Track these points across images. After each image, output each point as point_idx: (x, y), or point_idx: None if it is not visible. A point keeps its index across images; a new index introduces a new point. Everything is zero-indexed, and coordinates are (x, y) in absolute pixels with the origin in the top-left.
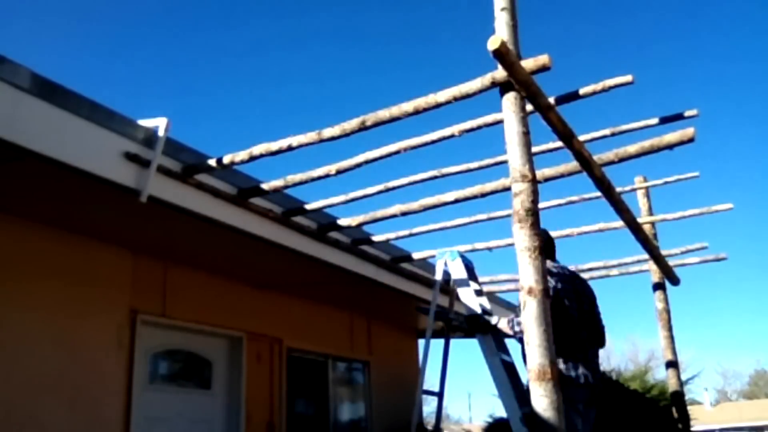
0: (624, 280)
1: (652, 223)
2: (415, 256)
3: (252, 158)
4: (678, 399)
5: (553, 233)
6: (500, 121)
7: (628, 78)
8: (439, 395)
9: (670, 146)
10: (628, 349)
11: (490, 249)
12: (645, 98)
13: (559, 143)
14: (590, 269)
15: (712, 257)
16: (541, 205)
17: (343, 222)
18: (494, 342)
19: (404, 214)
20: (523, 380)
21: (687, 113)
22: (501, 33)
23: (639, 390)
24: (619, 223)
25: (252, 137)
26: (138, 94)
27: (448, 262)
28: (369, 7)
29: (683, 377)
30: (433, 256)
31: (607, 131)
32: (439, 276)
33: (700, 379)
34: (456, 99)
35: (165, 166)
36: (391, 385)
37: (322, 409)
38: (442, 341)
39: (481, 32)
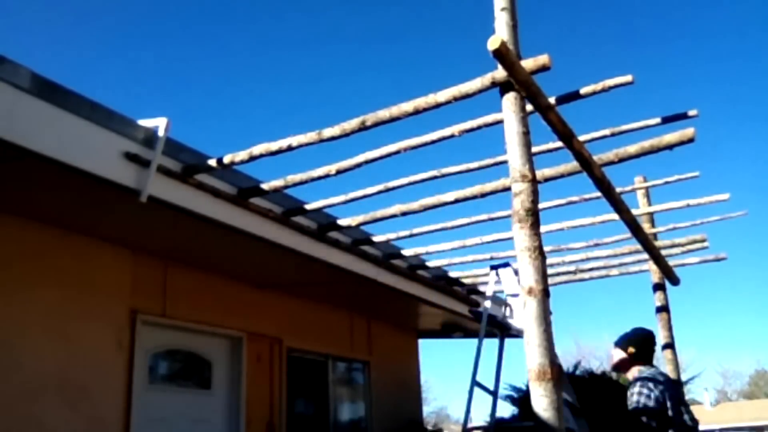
0: (624, 280)
1: (652, 223)
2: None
3: (252, 158)
4: None
5: (551, 226)
6: (500, 121)
7: (628, 78)
8: (494, 393)
9: (670, 146)
10: None
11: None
12: (645, 98)
13: (559, 143)
14: (590, 269)
15: (712, 257)
16: (541, 205)
17: (343, 222)
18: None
19: (404, 214)
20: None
21: (688, 113)
22: (501, 33)
23: None
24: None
25: (252, 137)
26: (138, 93)
27: (499, 272)
28: (369, 7)
29: (683, 377)
30: (439, 251)
31: (607, 131)
32: (491, 286)
33: (700, 379)
34: (456, 99)
35: (165, 166)
36: (391, 385)
37: (322, 409)
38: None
39: (481, 32)
